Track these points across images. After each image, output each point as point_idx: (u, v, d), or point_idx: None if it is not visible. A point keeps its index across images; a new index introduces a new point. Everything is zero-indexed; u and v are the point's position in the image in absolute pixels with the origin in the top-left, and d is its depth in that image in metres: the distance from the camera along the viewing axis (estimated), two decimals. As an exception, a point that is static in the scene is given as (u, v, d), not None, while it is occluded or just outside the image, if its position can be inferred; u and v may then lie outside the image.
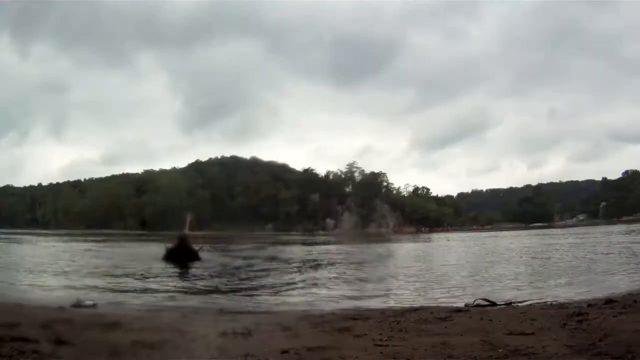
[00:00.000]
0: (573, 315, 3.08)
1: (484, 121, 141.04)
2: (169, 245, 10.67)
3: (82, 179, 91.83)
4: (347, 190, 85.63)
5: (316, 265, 9.20)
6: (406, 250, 15.20)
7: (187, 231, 10.89)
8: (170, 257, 10.03)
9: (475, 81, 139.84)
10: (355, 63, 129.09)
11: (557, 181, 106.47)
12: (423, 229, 73.58)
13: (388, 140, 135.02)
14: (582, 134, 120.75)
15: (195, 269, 8.35)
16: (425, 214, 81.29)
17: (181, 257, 9.96)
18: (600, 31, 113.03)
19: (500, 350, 2.31)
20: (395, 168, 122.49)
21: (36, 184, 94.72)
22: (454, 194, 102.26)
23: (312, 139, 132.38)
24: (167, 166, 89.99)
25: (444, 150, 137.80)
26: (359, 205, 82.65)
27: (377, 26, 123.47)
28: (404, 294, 5.23)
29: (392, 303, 4.52)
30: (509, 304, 4.01)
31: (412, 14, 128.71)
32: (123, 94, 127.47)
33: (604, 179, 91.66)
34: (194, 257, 10.22)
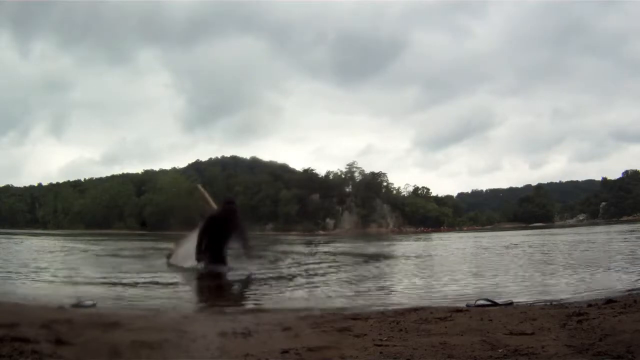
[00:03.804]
0: (573, 315, 3.08)
1: (487, 120, 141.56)
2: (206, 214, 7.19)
3: (82, 179, 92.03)
4: (347, 190, 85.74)
5: (316, 265, 9.20)
6: (406, 250, 15.20)
7: (210, 205, 7.70)
8: (212, 229, 6.57)
9: (479, 80, 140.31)
10: (358, 61, 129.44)
11: (557, 181, 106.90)
12: (423, 228, 73.73)
13: (390, 140, 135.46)
14: (585, 134, 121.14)
15: (197, 270, 6.92)
16: (425, 214, 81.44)
17: (227, 232, 6.58)
18: (605, 30, 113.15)
19: (500, 350, 2.31)
20: (397, 168, 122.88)
21: (36, 184, 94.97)
22: (455, 193, 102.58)
23: (313, 138, 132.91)
24: (168, 166, 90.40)
25: (447, 149, 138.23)
26: (359, 205, 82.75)
27: (381, 24, 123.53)
28: (404, 294, 5.22)
29: (392, 303, 4.52)
30: (509, 303, 4.00)
31: (417, 12, 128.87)
32: (124, 93, 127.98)
33: (604, 179, 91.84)
34: (244, 238, 6.81)
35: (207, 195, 8.15)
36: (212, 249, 6.74)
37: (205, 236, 6.70)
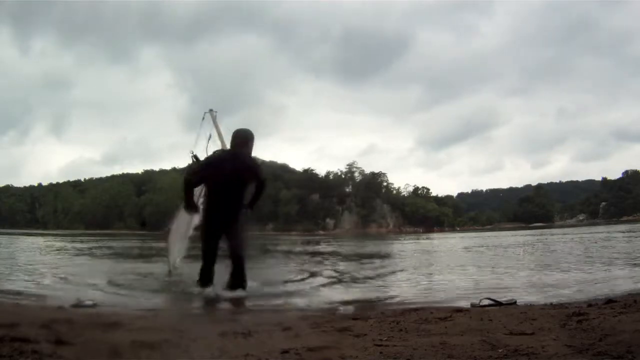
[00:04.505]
0: (573, 315, 3.08)
1: (490, 120, 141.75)
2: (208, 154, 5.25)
3: (82, 179, 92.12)
4: (347, 190, 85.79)
5: (316, 265, 9.20)
6: (406, 250, 15.20)
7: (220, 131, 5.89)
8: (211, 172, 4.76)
9: (483, 79, 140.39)
10: (362, 60, 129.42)
11: (557, 181, 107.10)
12: (422, 229, 73.78)
13: (392, 140, 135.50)
14: (586, 133, 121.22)
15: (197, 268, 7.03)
16: (425, 214, 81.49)
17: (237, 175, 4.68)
18: (610, 30, 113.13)
19: (500, 350, 2.31)
20: (399, 167, 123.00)
21: (36, 184, 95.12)
22: (455, 193, 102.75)
23: (314, 138, 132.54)
24: (168, 166, 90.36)
25: (449, 149, 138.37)
26: (359, 205, 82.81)
27: (385, 22, 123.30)
28: (404, 294, 5.22)
29: (392, 303, 4.52)
30: (513, 303, 4.00)
31: (422, 10, 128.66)
32: (125, 92, 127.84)
33: (604, 179, 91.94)
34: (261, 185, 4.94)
35: (218, 124, 6.26)
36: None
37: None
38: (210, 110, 6.42)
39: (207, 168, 4.93)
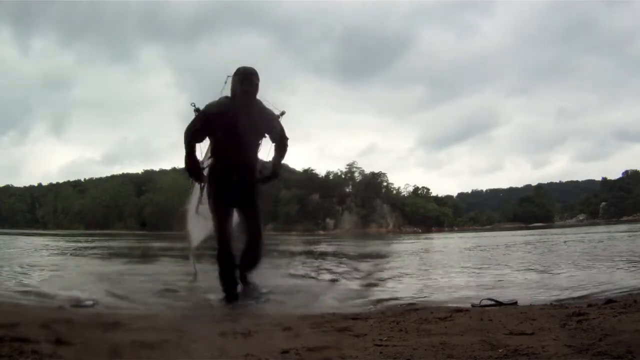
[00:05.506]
0: (573, 315, 3.08)
1: (491, 120, 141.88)
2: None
3: (82, 179, 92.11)
4: (347, 190, 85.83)
5: (316, 265, 9.20)
6: (406, 250, 15.19)
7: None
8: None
9: (484, 79, 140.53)
10: (363, 60, 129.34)
11: (557, 181, 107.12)
12: (421, 229, 73.83)
13: (393, 139, 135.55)
14: (587, 133, 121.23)
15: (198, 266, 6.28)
16: (425, 214, 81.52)
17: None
18: (610, 29, 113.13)
19: (500, 350, 2.31)
20: (400, 167, 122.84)
21: (36, 184, 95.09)
22: (455, 193, 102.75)
23: (315, 138, 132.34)
24: (168, 166, 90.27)
25: (449, 149, 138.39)
26: (359, 205, 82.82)
27: (387, 22, 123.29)
28: (404, 294, 5.22)
29: (392, 303, 4.52)
30: (512, 303, 4.01)
31: (423, 10, 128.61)
32: (125, 91, 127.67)
33: (604, 179, 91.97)
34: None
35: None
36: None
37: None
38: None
39: (208, 116, 3.93)
